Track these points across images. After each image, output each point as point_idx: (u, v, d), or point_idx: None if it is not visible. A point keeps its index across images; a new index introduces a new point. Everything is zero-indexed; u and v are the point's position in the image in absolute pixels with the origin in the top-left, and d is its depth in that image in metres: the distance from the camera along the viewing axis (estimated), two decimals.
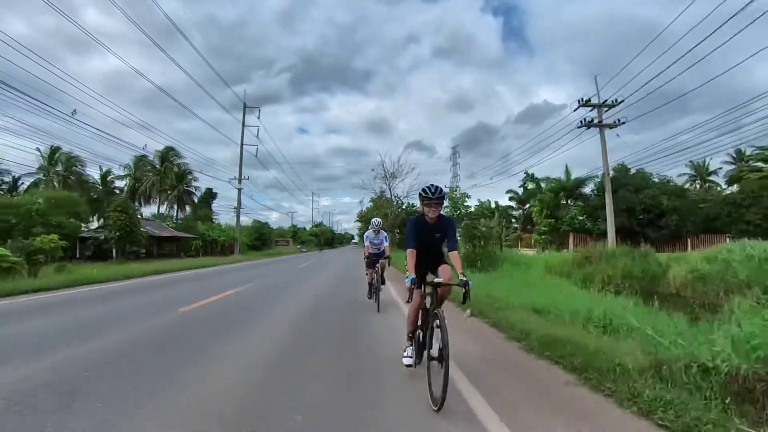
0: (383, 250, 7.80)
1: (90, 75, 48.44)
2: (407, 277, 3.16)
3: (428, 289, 3.25)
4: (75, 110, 21.25)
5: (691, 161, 32.77)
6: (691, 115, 63.50)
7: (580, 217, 25.19)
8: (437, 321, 2.92)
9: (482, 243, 14.15)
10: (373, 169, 44.84)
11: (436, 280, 3.18)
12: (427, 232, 3.37)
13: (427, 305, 3.28)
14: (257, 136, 36.24)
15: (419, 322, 3.40)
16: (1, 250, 10.80)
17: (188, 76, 54.09)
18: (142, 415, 2.60)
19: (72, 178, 36.80)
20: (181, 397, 2.94)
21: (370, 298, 7.68)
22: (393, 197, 45.28)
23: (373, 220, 8.16)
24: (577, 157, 55.73)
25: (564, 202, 27.61)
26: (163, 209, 39.04)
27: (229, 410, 2.70)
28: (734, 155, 33.90)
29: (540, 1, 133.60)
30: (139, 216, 28.86)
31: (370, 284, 7.73)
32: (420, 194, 3.38)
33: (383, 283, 7.80)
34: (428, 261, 3.45)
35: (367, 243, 7.96)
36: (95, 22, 75.94)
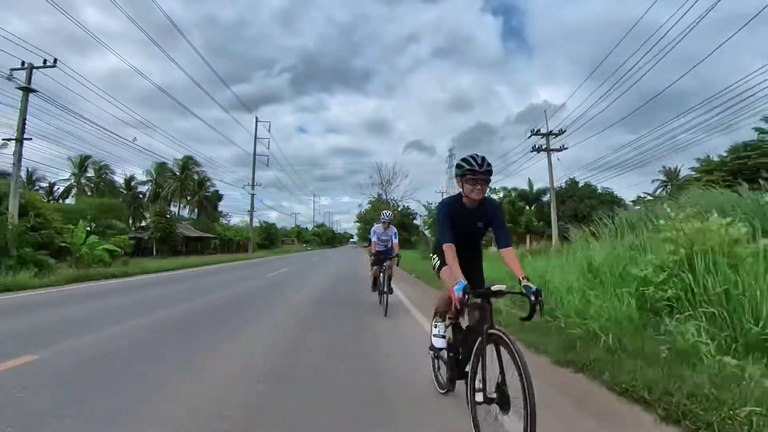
0: (391, 248, 6.84)
1: (89, 74, 51.84)
2: (454, 285, 2.07)
3: (476, 300, 2.13)
4: (135, 138, 24.67)
5: (663, 166, 37.40)
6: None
7: (536, 222, 30.31)
8: (496, 345, 1.96)
9: None
10: (371, 176, 49.58)
11: (496, 287, 2.11)
12: (467, 219, 2.46)
13: (465, 322, 2.35)
14: (268, 148, 41.03)
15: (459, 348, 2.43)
16: (110, 246, 15.52)
17: (187, 75, 56.78)
18: (242, 335, 6.91)
19: (103, 184, 41.51)
20: (280, 308, 7.72)
21: (374, 290, 7.10)
22: (389, 200, 50.20)
23: (384, 212, 7.21)
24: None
25: (527, 208, 32.83)
26: (184, 212, 43.79)
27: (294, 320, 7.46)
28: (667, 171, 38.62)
29: (539, 1, 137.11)
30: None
31: (375, 280, 7.01)
32: (458, 166, 2.37)
33: (390, 291, 6.53)
34: (467, 260, 2.43)
35: (374, 238, 7.00)
36: (95, 20, 76.51)
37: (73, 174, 44.00)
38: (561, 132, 21.99)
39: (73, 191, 45.03)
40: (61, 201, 42.14)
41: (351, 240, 68.19)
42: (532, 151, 22.65)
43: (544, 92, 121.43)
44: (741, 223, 4.09)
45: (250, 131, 38.55)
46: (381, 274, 6.69)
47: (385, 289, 6.38)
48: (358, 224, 64.53)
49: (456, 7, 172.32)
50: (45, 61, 13.99)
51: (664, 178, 42.90)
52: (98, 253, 14.22)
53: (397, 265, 6.99)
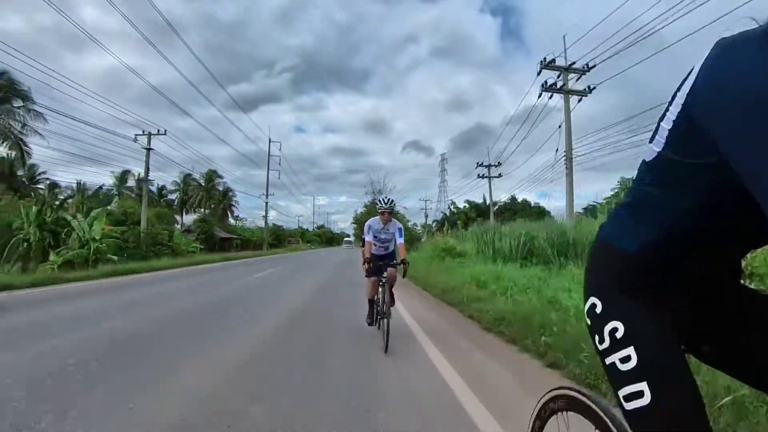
0: (393, 251, 4.94)
1: (87, 72, 52.70)
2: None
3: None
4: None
5: (622, 177, 46.37)
6: None
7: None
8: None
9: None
10: (364, 186, 58.29)
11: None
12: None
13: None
14: (279, 163, 49.77)
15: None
16: (193, 243, 24.36)
17: (180, 74, 55.97)
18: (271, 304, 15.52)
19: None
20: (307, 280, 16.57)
21: (371, 324, 4.84)
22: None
23: (380, 198, 5.13)
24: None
25: (477, 218, 41.94)
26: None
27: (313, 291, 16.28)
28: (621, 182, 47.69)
29: (538, 1, 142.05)
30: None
31: (372, 302, 4.84)
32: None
33: (392, 303, 4.71)
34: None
35: (368, 238, 4.73)
36: (93, 18, 78.43)
37: (115, 185, 52.85)
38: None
39: (116, 199, 53.83)
40: (108, 207, 50.90)
41: (346, 239, 67.91)
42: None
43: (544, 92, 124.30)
44: (469, 243, 13.09)
45: (249, 130, 46.84)
46: (380, 289, 4.58)
47: (385, 310, 4.31)
48: (354, 225, 72.94)
49: (455, 7, 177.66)
50: (159, 130, 22.84)
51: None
52: (192, 248, 23.07)
53: (404, 276, 4.85)
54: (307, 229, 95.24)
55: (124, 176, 52.90)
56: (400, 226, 4.93)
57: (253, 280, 12.18)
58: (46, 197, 24.86)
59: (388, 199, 4.90)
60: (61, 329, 4.74)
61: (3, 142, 25.43)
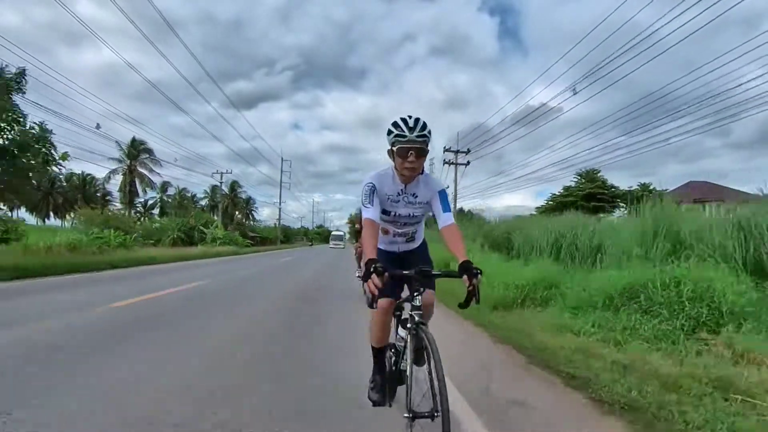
0: (424, 244, 2.44)
1: (82, 69, 51.69)
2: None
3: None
4: (98, 124, 22.39)
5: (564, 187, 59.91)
6: None
7: None
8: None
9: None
10: (358, 196, 72.25)
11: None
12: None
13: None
14: (290, 177, 63.67)
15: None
16: (243, 239, 38.47)
17: (178, 72, 59.50)
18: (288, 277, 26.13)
19: (184, 201, 63.99)
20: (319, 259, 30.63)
21: (378, 402, 2.21)
22: None
23: (401, 118, 1.93)
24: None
25: None
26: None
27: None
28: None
29: (537, 1, 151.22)
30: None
31: (381, 354, 2.24)
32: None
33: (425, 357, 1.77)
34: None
35: (369, 214, 1.96)
36: (89, 13, 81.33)
37: (157, 193, 66.76)
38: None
39: (157, 205, 67.75)
40: (152, 212, 64.79)
41: (334, 233, 49.30)
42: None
43: (544, 91, 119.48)
44: None
45: (246, 128, 57.95)
46: (399, 330, 2.25)
47: (409, 372, 1.84)
48: (349, 225, 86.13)
49: (453, 6, 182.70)
50: (227, 170, 36.81)
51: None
52: (246, 243, 37.21)
53: (477, 300, 1.72)
54: (308, 228, 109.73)
55: (164, 186, 66.99)
56: (442, 188, 2.17)
57: (284, 261, 25.43)
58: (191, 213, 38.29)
59: (416, 120, 1.92)
60: (217, 272, 18.64)
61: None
